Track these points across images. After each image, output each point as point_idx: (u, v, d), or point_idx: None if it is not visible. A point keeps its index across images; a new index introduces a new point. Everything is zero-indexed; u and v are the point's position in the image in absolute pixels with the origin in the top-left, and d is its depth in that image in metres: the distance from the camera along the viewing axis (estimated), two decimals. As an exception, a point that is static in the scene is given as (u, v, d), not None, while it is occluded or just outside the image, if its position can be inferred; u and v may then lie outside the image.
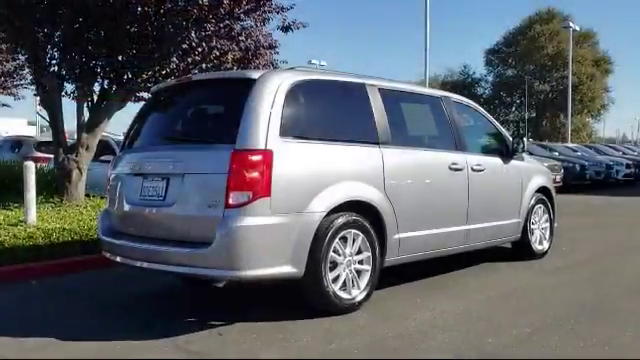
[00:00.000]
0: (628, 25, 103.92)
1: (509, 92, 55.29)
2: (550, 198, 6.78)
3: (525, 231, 6.30)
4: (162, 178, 4.29)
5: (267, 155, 3.93)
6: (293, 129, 4.16)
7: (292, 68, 4.49)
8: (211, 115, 4.66)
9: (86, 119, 8.74)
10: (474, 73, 57.96)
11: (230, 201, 3.85)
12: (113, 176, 4.84)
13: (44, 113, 8.91)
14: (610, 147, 26.29)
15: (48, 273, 5.69)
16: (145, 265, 4.26)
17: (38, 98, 9.01)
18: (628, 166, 20.08)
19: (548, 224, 6.71)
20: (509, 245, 6.48)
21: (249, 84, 4.14)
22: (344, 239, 4.33)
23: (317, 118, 4.51)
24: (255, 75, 4.22)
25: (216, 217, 3.87)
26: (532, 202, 6.38)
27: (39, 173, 9.14)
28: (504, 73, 52.46)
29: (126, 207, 4.56)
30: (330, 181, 4.24)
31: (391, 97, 4.99)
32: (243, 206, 3.84)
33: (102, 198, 8.94)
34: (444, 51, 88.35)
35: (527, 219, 6.30)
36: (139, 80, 8.41)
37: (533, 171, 6.57)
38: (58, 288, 5.35)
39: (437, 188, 5.19)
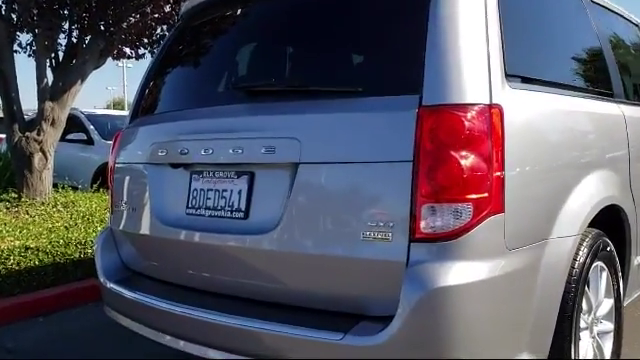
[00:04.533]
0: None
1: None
2: None
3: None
4: (237, 173, 2.05)
5: (496, 118, 1.76)
6: (519, 65, 1.99)
7: None
8: (348, 40, 2.11)
9: (50, 83, 6.31)
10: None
11: (423, 225, 1.67)
12: (121, 167, 2.57)
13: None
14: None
15: (2, 322, 3.54)
16: (204, 354, 2.06)
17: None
18: None
19: None
20: None
21: None
22: (588, 282, 2.24)
23: (541, 46, 2.32)
24: None
25: (389, 262, 1.70)
26: None
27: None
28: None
29: (155, 228, 2.31)
30: (576, 169, 2.14)
31: (607, 18, 2.88)
32: (455, 237, 1.67)
33: (75, 190, 6.64)
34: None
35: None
36: (124, 26, 6.03)
37: None
38: (18, 349, 3.21)
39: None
